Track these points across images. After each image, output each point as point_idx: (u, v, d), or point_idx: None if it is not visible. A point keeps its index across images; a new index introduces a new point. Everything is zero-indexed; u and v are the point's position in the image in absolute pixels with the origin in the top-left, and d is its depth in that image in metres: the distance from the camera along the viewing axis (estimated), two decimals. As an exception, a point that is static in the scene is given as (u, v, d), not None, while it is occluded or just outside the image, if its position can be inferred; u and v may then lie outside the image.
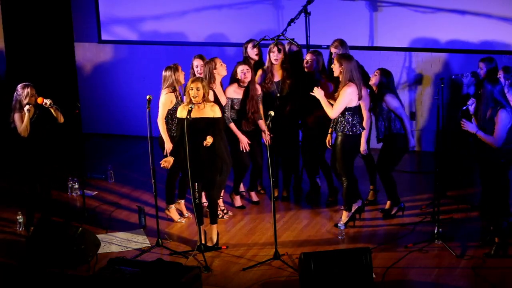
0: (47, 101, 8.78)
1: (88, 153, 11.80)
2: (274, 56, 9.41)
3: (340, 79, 8.61)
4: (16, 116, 8.76)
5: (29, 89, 8.75)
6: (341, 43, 9.29)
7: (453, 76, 10.05)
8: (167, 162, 8.36)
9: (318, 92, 8.66)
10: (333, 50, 9.29)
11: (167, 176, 9.19)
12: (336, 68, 8.61)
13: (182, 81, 9.01)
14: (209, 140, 8.23)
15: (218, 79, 9.10)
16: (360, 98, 8.66)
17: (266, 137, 9.20)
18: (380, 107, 8.93)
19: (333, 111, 8.62)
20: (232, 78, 9.35)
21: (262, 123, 9.30)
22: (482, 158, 8.35)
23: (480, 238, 8.56)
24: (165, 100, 8.94)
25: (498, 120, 8.02)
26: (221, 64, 9.07)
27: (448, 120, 10.85)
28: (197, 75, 9.20)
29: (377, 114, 9.01)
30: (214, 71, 9.03)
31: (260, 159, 9.55)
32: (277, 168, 9.81)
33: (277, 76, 9.51)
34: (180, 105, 8.81)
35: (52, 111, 8.83)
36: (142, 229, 9.20)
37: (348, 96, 8.56)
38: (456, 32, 10.81)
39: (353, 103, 8.63)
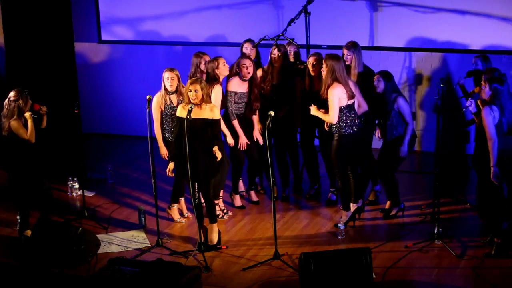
0: (44, 108, 8.79)
1: (88, 153, 11.79)
2: (274, 57, 9.41)
3: (324, 79, 8.61)
4: (15, 123, 8.64)
5: (27, 96, 8.70)
6: (354, 45, 9.23)
7: (461, 82, 9.99)
8: (170, 169, 8.68)
9: (313, 110, 8.69)
10: (345, 51, 9.24)
11: (175, 175, 9.15)
12: (323, 68, 8.64)
13: (168, 87, 8.87)
14: (216, 152, 8.33)
15: (221, 79, 9.11)
16: (351, 97, 8.64)
17: (259, 137, 9.31)
18: (390, 109, 8.89)
19: (331, 117, 8.62)
20: (232, 72, 9.36)
21: (257, 120, 9.37)
22: (476, 158, 8.39)
23: (480, 238, 8.57)
24: (154, 103, 8.93)
25: (483, 117, 8.02)
26: (224, 64, 9.08)
27: (448, 120, 10.87)
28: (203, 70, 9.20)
29: (386, 117, 8.95)
30: (216, 70, 9.04)
31: (255, 154, 9.52)
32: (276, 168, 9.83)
33: (275, 79, 9.50)
34: (168, 110, 8.83)
35: (44, 117, 8.82)
36: (142, 229, 9.21)
37: (336, 96, 8.56)
38: (456, 32, 10.81)
39: (343, 102, 8.62)
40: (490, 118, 7.96)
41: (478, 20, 10.67)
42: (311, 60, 9.22)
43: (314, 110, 8.73)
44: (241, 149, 9.30)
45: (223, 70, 9.08)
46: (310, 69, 9.21)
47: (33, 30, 11.38)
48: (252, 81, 9.23)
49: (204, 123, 8.33)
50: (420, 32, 10.97)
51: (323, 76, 8.62)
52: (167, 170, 8.75)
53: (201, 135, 8.33)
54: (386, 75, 8.90)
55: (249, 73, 9.16)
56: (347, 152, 8.77)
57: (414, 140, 9.12)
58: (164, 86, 8.92)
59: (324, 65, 8.61)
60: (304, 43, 10.38)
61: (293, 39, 9.83)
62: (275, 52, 9.40)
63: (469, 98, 8.43)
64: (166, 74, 8.91)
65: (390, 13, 11.01)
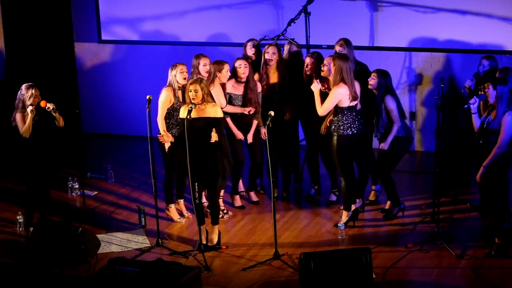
0: (50, 106, 8.78)
1: (88, 153, 11.80)
2: (268, 57, 9.39)
3: (332, 79, 8.63)
4: (18, 116, 8.74)
5: (33, 90, 8.73)
6: (346, 42, 9.26)
7: (468, 84, 9.96)
8: (167, 137, 8.56)
9: (315, 86, 8.69)
10: (337, 49, 9.25)
11: (165, 176, 9.19)
12: (330, 67, 8.64)
13: (181, 81, 8.95)
14: (213, 136, 8.23)
15: (216, 82, 9.10)
16: (354, 99, 8.64)
17: (262, 131, 9.29)
18: (379, 108, 8.91)
19: (321, 109, 8.66)
20: (231, 74, 9.37)
21: (257, 123, 9.36)
22: (481, 158, 8.37)
23: (480, 238, 8.56)
24: (163, 98, 8.94)
25: (504, 123, 8.00)
26: (227, 72, 9.07)
27: (448, 120, 10.85)
28: (204, 74, 9.16)
29: (376, 115, 8.97)
30: (218, 74, 9.04)
31: (258, 156, 9.54)
32: (277, 168, 9.82)
33: (273, 78, 9.49)
34: (178, 105, 8.83)
35: (55, 115, 8.83)
36: (142, 229, 9.21)
37: (337, 96, 8.57)
38: (456, 32, 10.81)
39: (344, 103, 8.62)
40: (511, 125, 7.95)
41: (478, 20, 10.66)
42: (307, 60, 9.24)
43: (315, 86, 8.71)
44: (237, 140, 9.27)
45: (224, 76, 9.08)
46: (308, 68, 9.21)
47: (33, 30, 11.40)
48: (247, 84, 9.22)
49: (207, 122, 8.32)
50: (420, 32, 10.97)
51: (331, 74, 8.62)
52: (163, 136, 8.62)
53: (206, 134, 8.32)
54: (383, 74, 8.91)
55: (244, 73, 9.16)
56: (346, 152, 8.77)
57: (409, 142, 9.09)
58: (176, 80, 8.89)
59: (332, 64, 8.62)
60: (304, 43, 10.38)
61: (293, 39, 9.83)
62: (269, 50, 9.39)
63: (474, 97, 8.42)
64: (180, 68, 8.89)
65: (390, 13, 11.01)
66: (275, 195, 9.54)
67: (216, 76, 9.04)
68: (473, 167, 10.16)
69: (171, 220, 9.33)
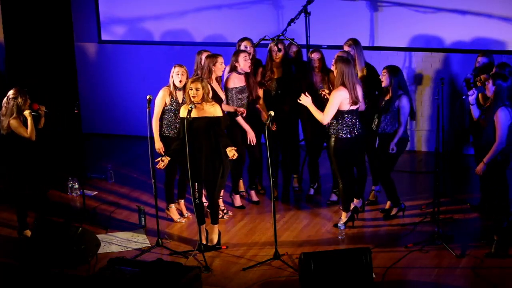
0: (43, 107, 8.78)
1: (88, 153, 11.79)
2: (274, 54, 9.40)
3: (334, 81, 8.65)
4: (14, 122, 8.64)
5: (26, 94, 8.70)
6: (355, 42, 9.26)
7: (468, 77, 9.98)
8: (163, 161, 8.35)
9: (305, 100, 8.65)
10: (346, 48, 9.25)
11: (165, 175, 9.19)
12: (333, 69, 8.65)
13: (176, 84, 8.87)
14: (231, 152, 8.23)
15: (213, 77, 9.10)
16: (354, 103, 8.62)
17: (250, 135, 9.27)
18: (392, 105, 8.86)
19: (324, 117, 8.62)
20: (230, 68, 9.35)
21: (263, 114, 9.37)
22: (480, 156, 8.39)
23: (480, 238, 8.56)
24: (158, 97, 8.95)
25: (498, 119, 8.03)
26: (221, 64, 9.08)
27: (448, 119, 10.86)
28: (178, 84, 9.10)
29: (385, 110, 8.93)
30: (213, 67, 9.03)
31: (257, 152, 9.52)
32: (277, 168, 9.82)
33: (277, 73, 9.50)
34: (174, 106, 8.82)
35: (42, 117, 8.82)
36: (142, 229, 9.21)
37: (337, 99, 8.56)
38: (456, 31, 10.81)
39: (345, 106, 8.61)
40: (505, 120, 7.98)
41: (478, 20, 10.66)
42: (315, 56, 9.22)
43: (305, 100, 8.65)
44: (252, 144, 9.27)
45: (218, 69, 9.07)
46: (317, 65, 9.20)
47: (33, 30, 11.39)
48: (248, 74, 9.25)
49: (207, 122, 8.32)
50: (420, 32, 10.96)
51: (333, 77, 8.62)
52: (160, 161, 8.35)
53: (205, 134, 8.31)
54: (393, 70, 8.88)
55: (249, 65, 9.18)
56: (344, 154, 8.76)
57: (407, 143, 9.10)
58: (173, 81, 8.91)
59: (333, 67, 8.62)
60: (304, 43, 10.38)
61: (293, 39, 9.83)
62: (275, 48, 9.40)
63: (473, 88, 8.43)
64: (176, 69, 8.89)
65: (390, 13, 11.01)
66: (275, 195, 9.53)
67: (211, 69, 9.02)
68: (473, 167, 10.19)
69: (171, 220, 9.34)
